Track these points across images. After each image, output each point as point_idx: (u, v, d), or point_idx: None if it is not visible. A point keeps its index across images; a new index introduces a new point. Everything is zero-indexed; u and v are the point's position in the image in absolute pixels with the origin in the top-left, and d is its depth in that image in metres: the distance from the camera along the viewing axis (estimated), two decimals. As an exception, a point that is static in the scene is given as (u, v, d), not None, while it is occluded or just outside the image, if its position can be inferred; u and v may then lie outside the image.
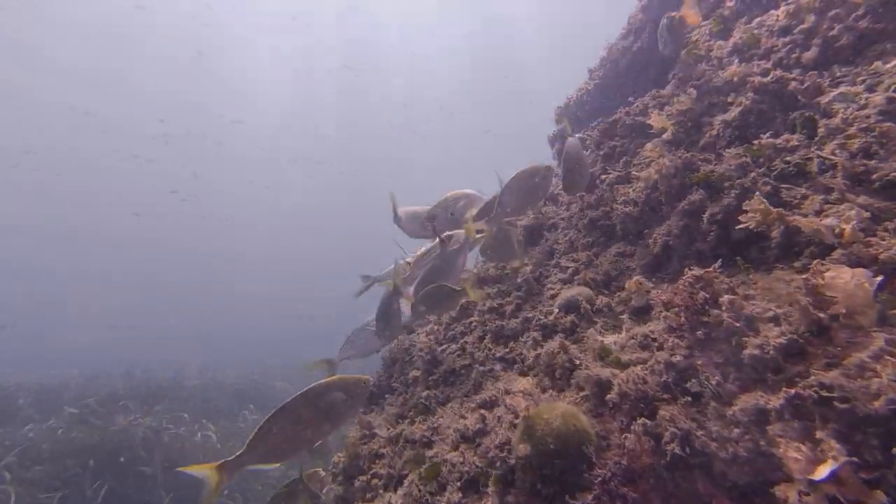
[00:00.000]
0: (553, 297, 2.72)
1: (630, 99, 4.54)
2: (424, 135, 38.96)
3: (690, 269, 1.66)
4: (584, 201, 3.35)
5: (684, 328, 1.38)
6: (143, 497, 6.16)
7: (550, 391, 1.65)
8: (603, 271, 2.47)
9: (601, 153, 3.74)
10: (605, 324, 2.12)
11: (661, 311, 1.76)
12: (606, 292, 2.38)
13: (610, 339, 1.74)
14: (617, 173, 3.30)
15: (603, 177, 3.38)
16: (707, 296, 1.35)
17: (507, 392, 2.07)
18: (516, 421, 1.55)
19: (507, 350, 2.52)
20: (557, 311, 2.42)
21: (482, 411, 1.96)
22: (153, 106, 30.75)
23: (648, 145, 2.58)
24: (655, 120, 2.68)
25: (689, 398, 1.23)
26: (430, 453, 1.89)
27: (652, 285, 1.97)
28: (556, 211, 3.93)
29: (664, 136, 2.62)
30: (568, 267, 2.88)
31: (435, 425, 2.20)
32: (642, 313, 1.98)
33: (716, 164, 2.01)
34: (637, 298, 1.98)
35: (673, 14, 4.49)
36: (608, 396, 1.40)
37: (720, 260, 1.58)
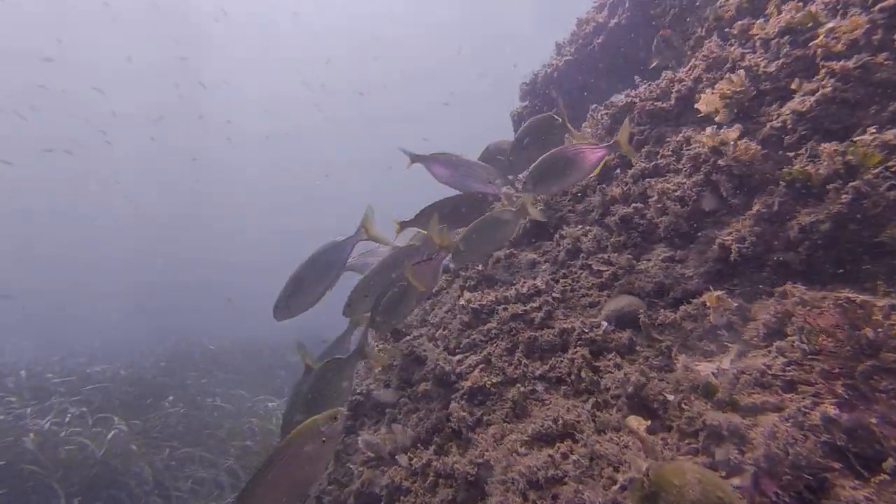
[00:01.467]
0: (592, 305, 2.44)
1: (637, 79, 4.28)
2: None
3: (795, 287, 1.40)
4: (606, 194, 3.07)
5: (836, 371, 1.13)
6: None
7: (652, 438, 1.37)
8: (655, 280, 2.20)
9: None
10: (670, 346, 1.85)
11: (759, 337, 1.51)
12: (662, 304, 2.12)
13: (705, 370, 1.48)
14: (643, 165, 3.04)
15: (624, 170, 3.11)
16: (872, 334, 1.09)
17: (564, 422, 1.78)
18: (618, 477, 1.26)
19: (546, 367, 2.23)
20: (606, 324, 2.14)
21: (547, 450, 1.66)
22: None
23: (709, 130, 2.30)
24: (707, 101, 2.41)
25: (887, 476, 0.98)
26: (492, 506, 1.57)
27: (736, 303, 1.71)
28: (558, 200, 3.64)
29: (718, 118, 2.35)
30: (602, 270, 2.61)
31: (480, 460, 1.88)
32: (722, 334, 1.72)
33: (809, 162, 1.76)
34: (717, 317, 1.72)
35: (663, 32, 4.25)
36: (749, 456, 1.13)
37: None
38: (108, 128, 25.82)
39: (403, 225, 3.14)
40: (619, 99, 3.93)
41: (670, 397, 1.47)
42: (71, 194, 39.13)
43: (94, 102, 27.72)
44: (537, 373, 2.22)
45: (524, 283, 2.95)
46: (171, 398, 8.23)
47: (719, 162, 2.17)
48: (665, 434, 1.39)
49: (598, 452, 1.41)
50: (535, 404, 2.08)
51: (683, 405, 1.40)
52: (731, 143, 2.05)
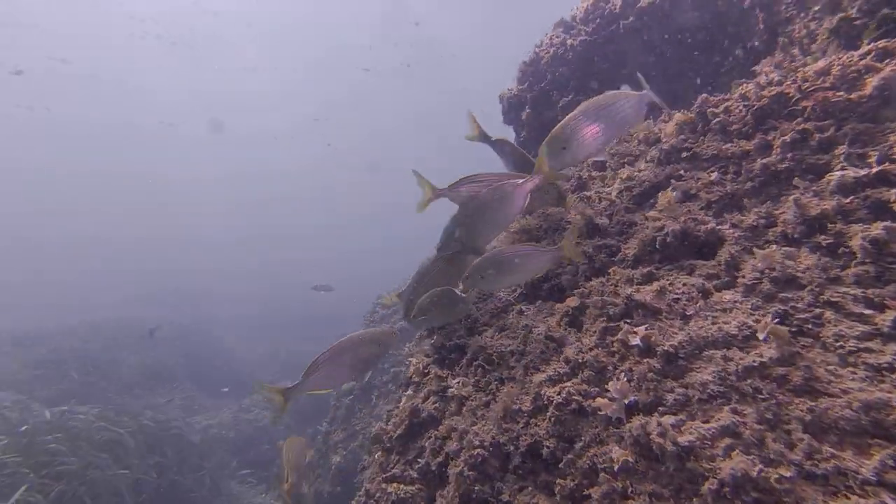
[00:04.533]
0: (892, 368, 1.82)
1: (757, 69, 3.73)
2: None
3: None
4: (804, 208, 2.46)
5: None
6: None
7: None
8: None
9: (782, 140, 2.86)
10: None
11: None
12: None
13: None
14: (857, 173, 2.45)
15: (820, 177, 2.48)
16: None
17: None
18: None
19: (876, 465, 1.58)
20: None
21: None
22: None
23: None
24: None
25: None
26: None
27: None
28: (694, 212, 2.99)
29: None
30: (867, 315, 1.99)
31: None
32: None
33: None
34: None
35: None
36: None
37: None
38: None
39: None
40: (747, 89, 3.33)
41: None
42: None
43: None
44: (868, 474, 1.57)
45: (724, 319, 2.29)
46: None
47: None
48: None
49: None
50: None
51: None
52: None
